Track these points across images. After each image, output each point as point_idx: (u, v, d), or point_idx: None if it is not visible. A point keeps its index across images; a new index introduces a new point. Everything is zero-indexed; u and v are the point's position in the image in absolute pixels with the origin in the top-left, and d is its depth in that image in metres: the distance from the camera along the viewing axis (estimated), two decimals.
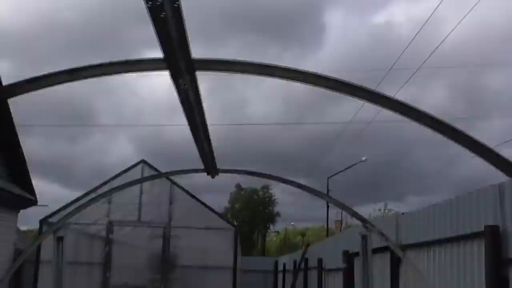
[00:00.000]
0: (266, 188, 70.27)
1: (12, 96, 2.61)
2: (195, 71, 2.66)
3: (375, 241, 12.47)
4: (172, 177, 15.56)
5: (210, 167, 4.97)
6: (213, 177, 5.51)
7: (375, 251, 12.32)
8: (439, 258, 8.28)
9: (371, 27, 71.51)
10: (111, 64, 2.64)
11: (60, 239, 5.56)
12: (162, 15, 2.30)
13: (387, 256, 6.69)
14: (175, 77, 2.70)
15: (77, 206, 15.15)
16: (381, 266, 12.10)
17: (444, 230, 8.55)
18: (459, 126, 3.12)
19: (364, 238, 6.09)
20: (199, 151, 4.35)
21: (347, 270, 13.77)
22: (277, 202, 71.09)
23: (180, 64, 2.55)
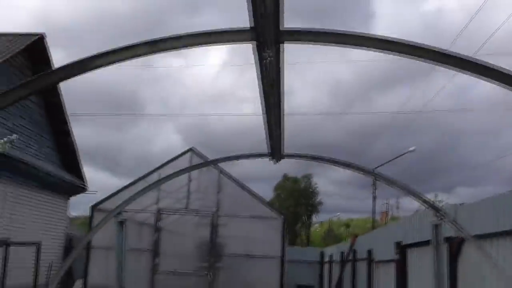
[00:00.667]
0: (308, 177, 70.01)
1: (90, 69, 2.49)
2: (282, 42, 2.49)
3: (426, 232, 12.12)
4: (221, 165, 15.50)
5: (276, 151, 4.80)
6: (276, 162, 5.34)
7: (426, 243, 11.98)
8: (502, 250, 7.92)
9: (422, 15, 69.85)
10: (194, 35, 2.50)
11: (122, 223, 5.51)
12: None
13: (443, 248, 6.43)
14: (260, 49, 2.54)
15: (128, 193, 15.34)
16: (428, 260, 11.75)
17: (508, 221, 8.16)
18: None
19: (436, 227, 5.82)
20: (268, 133, 4.18)
21: (399, 262, 13.48)
22: (318, 191, 70.74)
23: (268, 34, 2.39)
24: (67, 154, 22.31)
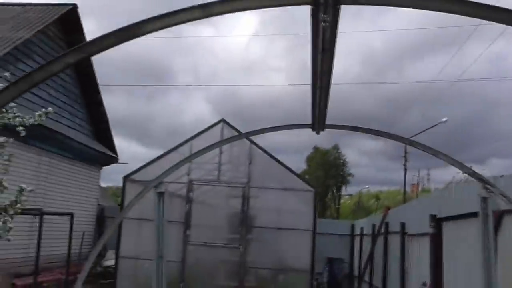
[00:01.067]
0: (336, 148, 69.82)
1: (145, 33, 2.36)
2: (341, 4, 2.33)
3: (466, 205, 11.88)
4: (252, 137, 15.40)
5: (320, 121, 4.64)
6: (318, 133, 5.19)
7: (464, 216, 11.74)
8: None
9: None
10: None
11: (161, 194, 5.46)
12: None
13: (490, 222, 6.22)
14: (316, 11, 2.38)
15: (159, 165, 15.38)
16: (466, 234, 11.51)
17: None
18: None
19: (484, 200, 5.62)
20: (313, 103, 4.02)
21: (434, 236, 13.26)
22: (347, 162, 70.58)
23: None
24: (99, 125, 22.52)
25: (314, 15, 2.45)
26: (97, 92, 21.76)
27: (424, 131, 39.11)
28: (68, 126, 19.67)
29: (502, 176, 10.49)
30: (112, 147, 23.23)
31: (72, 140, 19.30)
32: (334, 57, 2.98)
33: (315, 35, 2.66)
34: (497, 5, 2.37)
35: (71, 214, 15.49)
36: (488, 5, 2.46)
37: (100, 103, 22.04)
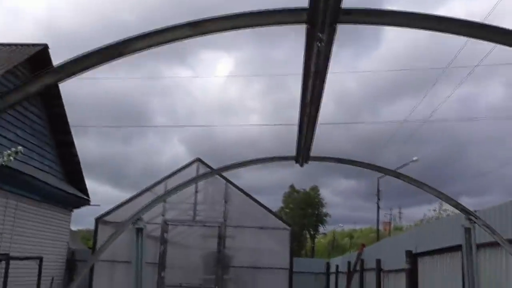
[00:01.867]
0: (315, 189, 70.42)
1: (131, 52, 2.23)
2: (337, 23, 2.24)
3: (443, 239, 11.83)
4: (228, 176, 15.25)
5: (304, 153, 4.54)
6: (302, 165, 5.07)
7: (437, 251, 11.70)
8: None
9: None
10: (241, 15, 2.25)
11: (140, 231, 5.24)
12: None
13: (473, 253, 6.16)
14: (312, 31, 2.29)
15: (133, 205, 15.04)
16: (443, 268, 11.47)
17: None
18: None
19: (467, 231, 5.55)
20: (299, 132, 3.92)
21: (410, 271, 13.19)
22: (325, 203, 71.20)
23: (325, 15, 2.13)
24: (70, 166, 22.02)
25: (309, 34, 2.37)
26: (68, 133, 21.35)
27: (397, 169, 39.47)
28: (36, 168, 19.16)
29: (476, 211, 10.54)
30: (83, 189, 22.68)
31: (40, 181, 18.78)
32: (325, 81, 2.89)
33: (308, 56, 2.57)
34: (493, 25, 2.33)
35: (40, 258, 14.95)
36: (475, 22, 2.43)
37: (71, 144, 21.60)
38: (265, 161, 5.11)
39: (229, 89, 76.07)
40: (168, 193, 8.42)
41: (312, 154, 4.86)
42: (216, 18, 2.23)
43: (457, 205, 5.35)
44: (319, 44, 2.40)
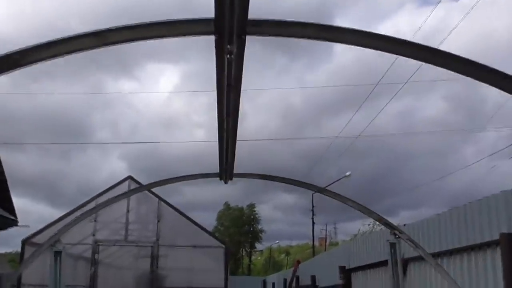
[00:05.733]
0: (252, 206, 70.34)
1: (31, 63, 2.12)
2: (246, 34, 2.23)
3: (373, 255, 12.03)
4: (161, 194, 15.01)
5: (227, 170, 4.50)
6: (226, 182, 5.04)
7: (369, 266, 11.91)
8: (448, 268, 7.90)
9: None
10: (148, 25, 2.19)
11: (58, 254, 5.01)
12: None
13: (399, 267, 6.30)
14: (220, 42, 2.27)
15: (62, 225, 14.50)
16: (374, 283, 11.69)
17: (454, 240, 8.18)
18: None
19: (392, 246, 5.66)
20: (220, 149, 3.88)
21: (344, 287, 13.36)
22: (260, 219, 71.09)
23: (232, 25, 2.11)
24: None
25: (218, 46, 2.34)
26: None
27: (328, 186, 40.15)
28: None
29: (404, 225, 10.82)
30: (11, 209, 21.68)
31: None
32: (240, 94, 2.87)
33: (220, 69, 2.55)
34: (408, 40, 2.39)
35: None
36: (403, 41, 2.48)
37: None
38: (189, 178, 5.04)
39: (174, 103, 75.09)
40: (93, 210, 8.20)
41: (237, 171, 4.84)
42: (120, 28, 2.17)
43: (380, 219, 5.45)
44: (228, 57, 2.38)
